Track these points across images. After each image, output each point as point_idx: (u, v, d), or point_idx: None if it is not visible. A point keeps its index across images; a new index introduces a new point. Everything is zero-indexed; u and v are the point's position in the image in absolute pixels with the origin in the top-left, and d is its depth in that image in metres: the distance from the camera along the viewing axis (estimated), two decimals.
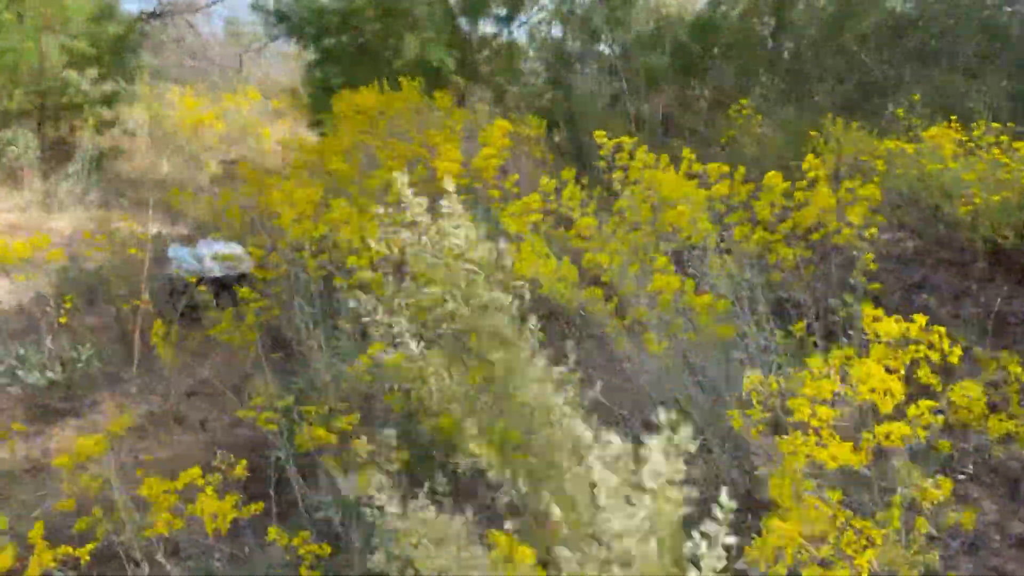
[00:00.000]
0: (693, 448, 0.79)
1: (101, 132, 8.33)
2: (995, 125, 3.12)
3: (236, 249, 4.44)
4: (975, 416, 1.45)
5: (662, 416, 0.76)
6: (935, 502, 1.29)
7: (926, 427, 1.14)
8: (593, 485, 0.77)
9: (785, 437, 1.16)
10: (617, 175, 2.60)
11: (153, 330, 2.66)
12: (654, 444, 0.76)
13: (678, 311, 1.63)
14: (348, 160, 3.98)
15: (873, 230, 1.75)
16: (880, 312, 1.20)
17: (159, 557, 1.81)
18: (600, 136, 2.63)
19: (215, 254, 4.23)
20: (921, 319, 1.18)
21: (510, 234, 2.12)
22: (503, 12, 7.50)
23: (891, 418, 1.12)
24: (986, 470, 1.81)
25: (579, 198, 2.13)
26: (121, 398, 3.29)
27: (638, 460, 0.78)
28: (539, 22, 8.27)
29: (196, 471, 1.49)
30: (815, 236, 1.78)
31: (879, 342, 1.15)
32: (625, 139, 2.64)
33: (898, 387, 1.13)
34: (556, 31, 8.37)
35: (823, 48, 6.81)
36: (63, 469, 1.84)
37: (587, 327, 2.09)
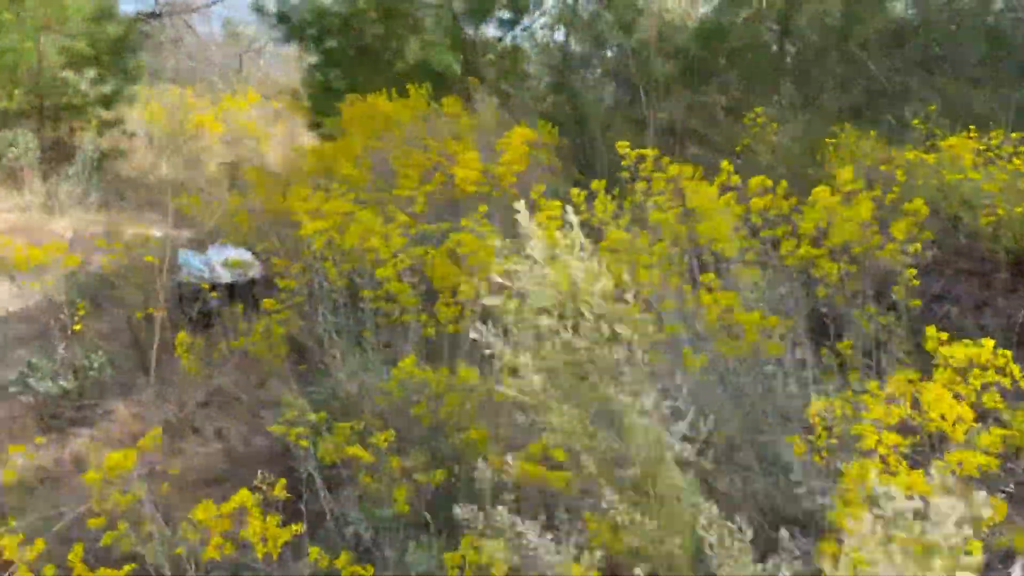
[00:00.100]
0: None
1: (102, 133, 8.26)
2: (1014, 135, 3.12)
3: (245, 255, 4.41)
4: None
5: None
6: (990, 525, 1.28)
7: (996, 455, 1.13)
8: None
9: (850, 463, 1.15)
10: (640, 185, 2.58)
11: (178, 340, 2.62)
12: None
13: (723, 328, 1.61)
14: (359, 166, 3.96)
15: (916, 245, 1.74)
16: (940, 334, 1.19)
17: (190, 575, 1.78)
18: (623, 146, 2.62)
19: (225, 260, 4.19)
20: (989, 343, 1.17)
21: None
22: (507, 16, 7.49)
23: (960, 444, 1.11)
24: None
25: (611, 209, 2.11)
26: (134, 407, 3.25)
27: None
28: (542, 26, 8.27)
29: (247, 495, 1.46)
30: (856, 250, 1.77)
31: (946, 366, 1.14)
32: (649, 151, 2.63)
33: (968, 414, 1.12)
34: (559, 35, 8.37)
35: (829, 55, 6.82)
36: (93, 485, 1.81)
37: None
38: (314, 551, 1.62)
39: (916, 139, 3.86)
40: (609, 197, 2.22)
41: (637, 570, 0.97)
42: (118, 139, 8.84)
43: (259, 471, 2.91)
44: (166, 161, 9.41)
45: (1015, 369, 1.18)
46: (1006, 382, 1.17)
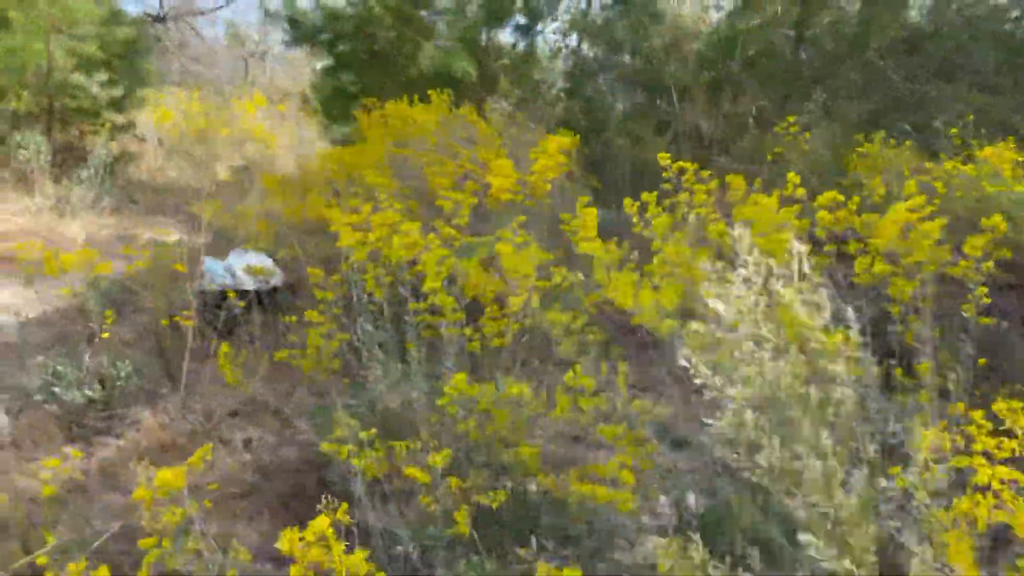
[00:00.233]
0: None
1: (113, 137, 8.22)
2: None
3: (266, 261, 4.37)
4: None
5: None
6: None
7: None
8: None
9: (962, 497, 1.11)
10: (683, 197, 2.55)
11: (221, 351, 2.57)
12: None
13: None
14: (383, 173, 3.92)
15: (989, 264, 1.71)
16: None
17: None
18: (664, 158, 2.59)
19: (247, 266, 4.15)
20: None
21: (597, 261, 2.06)
22: (522, 21, 7.46)
23: None
24: None
25: (668, 223, 2.07)
26: (161, 416, 3.21)
27: None
28: (554, 32, 8.25)
29: (325, 523, 1.41)
30: (930, 268, 1.73)
31: None
32: (688, 163, 2.60)
33: None
34: (572, 41, 8.35)
35: (845, 62, 6.80)
36: (143, 505, 1.76)
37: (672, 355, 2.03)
38: None
39: (947, 148, 3.83)
40: (660, 209, 2.19)
41: None
42: (127, 142, 8.81)
43: (291, 483, 2.88)
44: (175, 165, 9.37)
45: None
46: None
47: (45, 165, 7.42)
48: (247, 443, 3.14)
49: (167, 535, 1.85)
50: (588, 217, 2.62)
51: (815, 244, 1.81)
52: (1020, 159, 3.15)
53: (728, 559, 1.50)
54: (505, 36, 8.17)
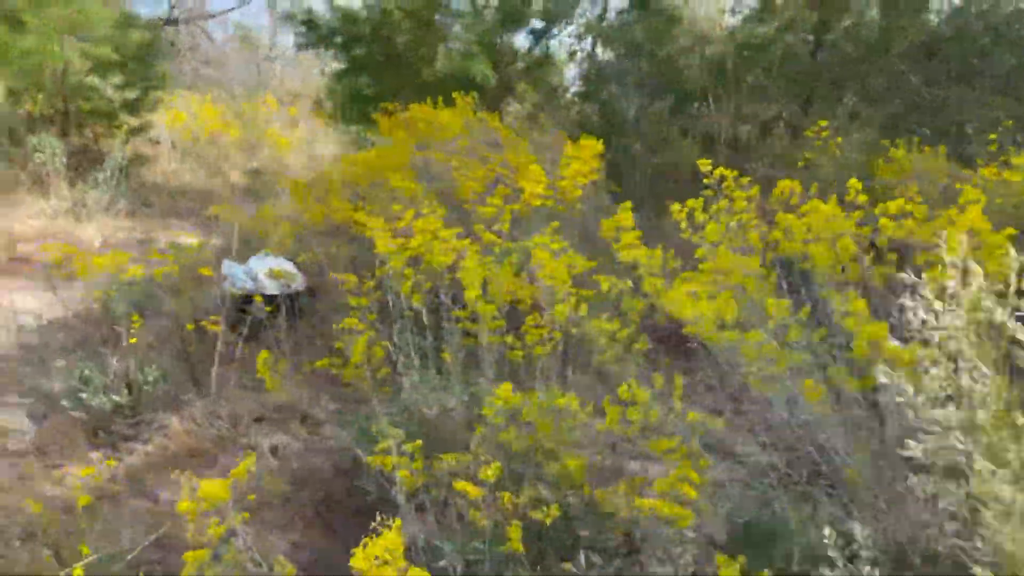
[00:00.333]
0: None
1: (128, 140, 8.22)
2: None
3: (287, 265, 4.34)
4: None
5: None
6: None
7: None
8: None
9: None
10: (723, 204, 2.50)
11: (260, 358, 2.54)
12: None
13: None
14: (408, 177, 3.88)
15: None
16: None
17: None
18: (705, 164, 2.55)
19: (269, 270, 4.12)
20: None
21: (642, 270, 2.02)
22: (539, 25, 7.44)
23: None
24: None
25: (720, 230, 2.03)
26: (187, 422, 3.17)
27: None
28: (570, 35, 8.22)
29: (395, 540, 1.36)
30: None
31: None
32: (727, 171, 2.56)
33: None
34: (587, 45, 8.32)
35: (865, 67, 6.75)
36: (187, 515, 1.72)
37: (729, 366, 1.99)
38: None
39: (981, 154, 3.78)
40: (707, 216, 2.15)
41: None
42: (142, 145, 8.80)
43: (321, 491, 2.84)
44: (188, 168, 9.36)
45: None
46: None
47: (61, 168, 7.41)
48: (274, 450, 3.11)
49: (209, 547, 1.81)
50: (624, 222, 2.58)
51: (878, 253, 1.77)
52: None
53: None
54: (519, 40, 8.17)
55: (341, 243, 4.22)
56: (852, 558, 1.49)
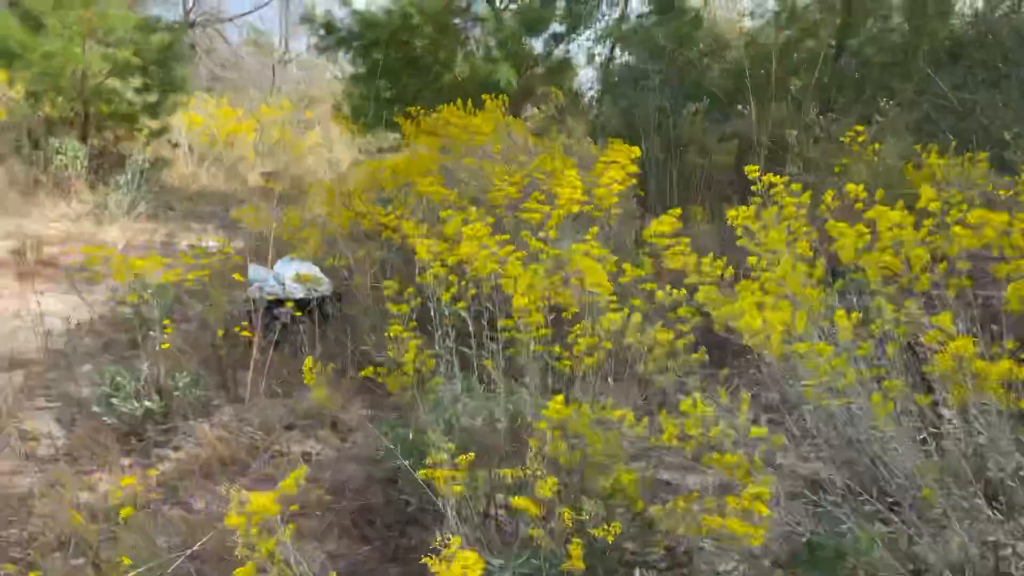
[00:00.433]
0: None
1: (148, 143, 8.24)
2: None
3: (314, 270, 4.31)
4: None
5: None
6: None
7: None
8: None
9: None
10: (772, 211, 2.45)
11: (305, 366, 2.50)
12: None
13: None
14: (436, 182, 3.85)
15: None
16: None
17: None
18: (753, 171, 2.49)
19: (296, 275, 4.09)
20: None
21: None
22: (561, 29, 7.41)
23: None
24: None
25: (782, 239, 1.98)
26: (218, 429, 3.14)
27: None
28: (590, 39, 8.18)
29: (475, 559, 1.31)
30: None
31: None
32: (777, 178, 2.50)
33: None
34: (607, 49, 8.28)
35: (889, 71, 6.68)
36: (238, 530, 1.68)
37: (787, 379, 1.94)
38: None
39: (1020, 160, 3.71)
40: (761, 222, 2.09)
41: None
42: (160, 148, 8.83)
43: (357, 500, 2.80)
44: (206, 171, 9.38)
45: None
46: None
47: (82, 171, 7.44)
48: (307, 457, 3.07)
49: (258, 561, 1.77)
50: (666, 227, 2.53)
51: (948, 263, 1.71)
52: None
53: None
54: (538, 44, 8.14)
55: (369, 248, 4.19)
56: None
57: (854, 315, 1.87)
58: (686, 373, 1.85)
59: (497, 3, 7.90)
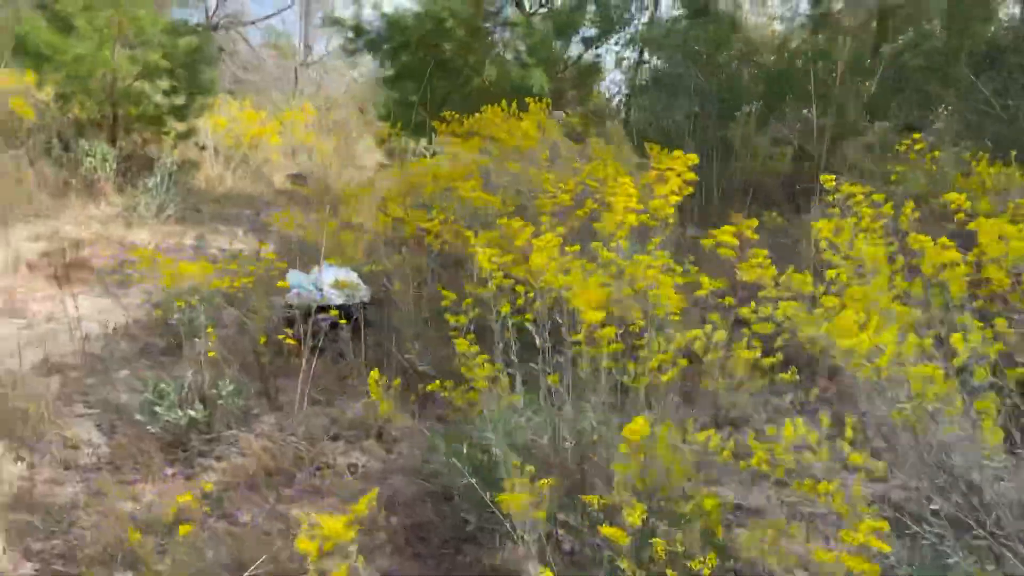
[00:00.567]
0: None
1: (176, 145, 8.23)
2: None
3: (352, 276, 4.24)
4: None
5: None
6: None
7: None
8: None
9: None
10: (851, 221, 2.35)
11: (371, 379, 2.43)
12: None
13: None
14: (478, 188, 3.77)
15: None
16: None
17: None
18: (828, 180, 2.40)
19: (336, 281, 4.03)
20: None
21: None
22: (592, 33, 7.33)
23: None
24: None
25: (882, 254, 1.88)
26: (262, 439, 3.07)
27: None
28: (621, 43, 8.08)
29: None
30: None
31: None
32: (856, 187, 2.40)
33: None
34: (636, 53, 8.19)
35: (930, 76, 6.55)
36: (306, 556, 1.61)
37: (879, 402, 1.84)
38: None
39: None
40: (852, 235, 2.00)
41: None
42: (189, 150, 8.82)
43: (410, 517, 2.72)
44: (232, 173, 9.36)
45: None
46: None
47: (111, 173, 7.43)
48: (352, 469, 3.00)
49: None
50: (728, 237, 2.44)
51: None
52: None
53: None
54: (568, 47, 8.05)
55: (408, 254, 4.12)
56: None
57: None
58: (773, 392, 1.75)
59: (527, 7, 7.84)
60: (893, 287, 1.77)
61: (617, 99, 8.68)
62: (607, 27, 7.22)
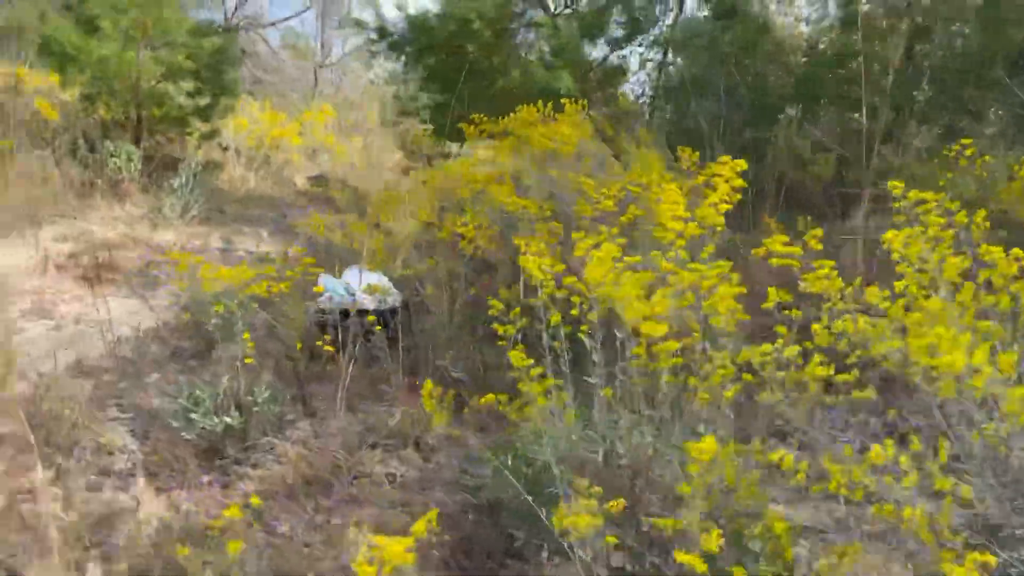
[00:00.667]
0: None
1: (200, 146, 8.24)
2: None
3: (383, 280, 4.20)
4: None
5: None
6: None
7: None
8: None
9: None
10: (918, 230, 2.26)
11: (425, 390, 2.37)
12: None
13: None
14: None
15: None
16: None
17: None
18: (896, 187, 2.32)
19: (368, 286, 3.98)
20: None
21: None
22: (619, 34, 7.24)
23: None
24: None
25: (959, 266, 1.80)
26: (298, 446, 3.03)
27: None
28: (646, 45, 7.99)
29: None
30: None
31: None
32: (928, 195, 2.32)
33: None
34: (660, 55, 8.10)
35: (964, 79, 6.42)
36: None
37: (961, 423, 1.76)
38: None
39: None
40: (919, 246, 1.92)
41: None
42: (212, 151, 8.83)
43: (455, 532, 2.66)
44: (254, 174, 9.36)
45: None
46: None
47: (136, 174, 7.44)
48: (391, 479, 2.94)
49: None
50: (779, 246, 2.37)
51: None
52: None
53: None
54: (594, 49, 7.98)
55: (439, 258, 4.06)
56: None
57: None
58: (849, 411, 1.67)
59: (552, 8, 7.76)
60: (976, 302, 1.69)
61: (642, 101, 8.59)
62: (634, 28, 7.13)
